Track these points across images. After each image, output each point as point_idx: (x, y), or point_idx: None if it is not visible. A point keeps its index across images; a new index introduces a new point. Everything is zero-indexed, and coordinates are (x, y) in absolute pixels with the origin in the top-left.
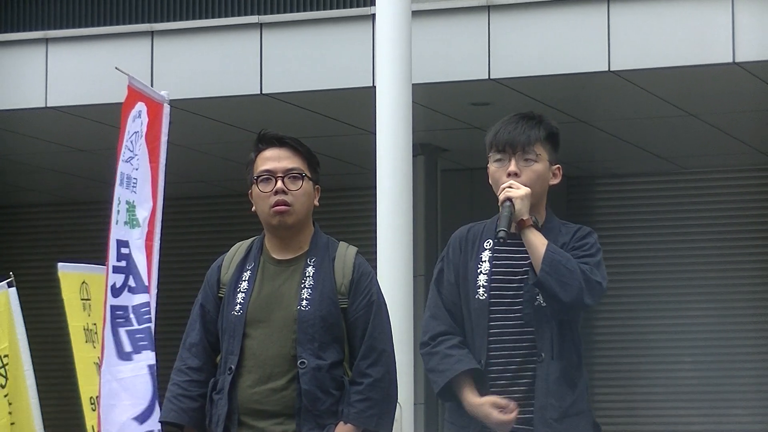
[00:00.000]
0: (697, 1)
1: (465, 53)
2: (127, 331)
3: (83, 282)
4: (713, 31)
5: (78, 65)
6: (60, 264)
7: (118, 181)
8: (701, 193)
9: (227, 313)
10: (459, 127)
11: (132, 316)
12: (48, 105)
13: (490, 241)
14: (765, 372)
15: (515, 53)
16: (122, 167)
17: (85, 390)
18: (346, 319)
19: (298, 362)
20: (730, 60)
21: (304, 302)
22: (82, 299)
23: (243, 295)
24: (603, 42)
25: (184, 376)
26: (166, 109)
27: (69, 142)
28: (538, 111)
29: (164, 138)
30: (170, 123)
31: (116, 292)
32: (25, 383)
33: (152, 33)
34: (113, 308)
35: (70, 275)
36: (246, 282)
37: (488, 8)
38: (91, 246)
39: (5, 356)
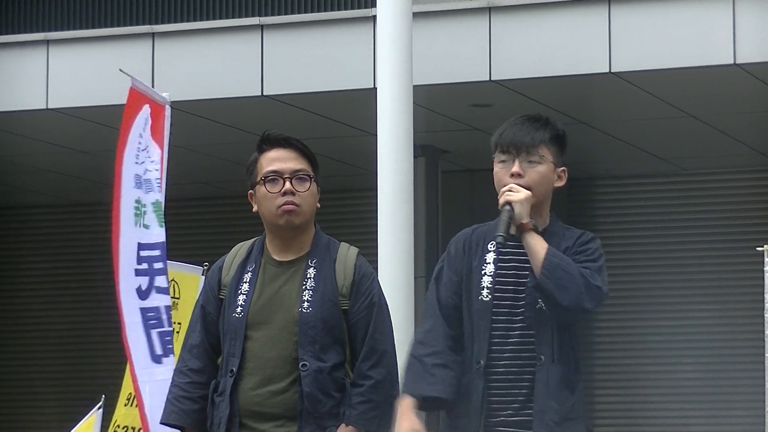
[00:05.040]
0: (698, 2)
1: (466, 55)
2: (159, 333)
3: (171, 280)
4: (714, 32)
5: (79, 67)
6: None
7: (134, 184)
8: (701, 195)
9: (228, 315)
10: (460, 129)
11: (164, 317)
12: (49, 107)
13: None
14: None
15: (516, 55)
16: (135, 169)
17: (127, 386)
18: (348, 320)
19: (300, 364)
20: (731, 61)
21: (305, 304)
22: (173, 297)
23: (244, 297)
24: (604, 43)
25: (185, 378)
26: (167, 110)
27: (70, 144)
28: (545, 113)
29: (166, 140)
30: (171, 125)
31: (143, 294)
32: None
33: (153, 35)
34: (144, 310)
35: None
36: (247, 284)
37: (489, 10)
38: (91, 248)
39: None
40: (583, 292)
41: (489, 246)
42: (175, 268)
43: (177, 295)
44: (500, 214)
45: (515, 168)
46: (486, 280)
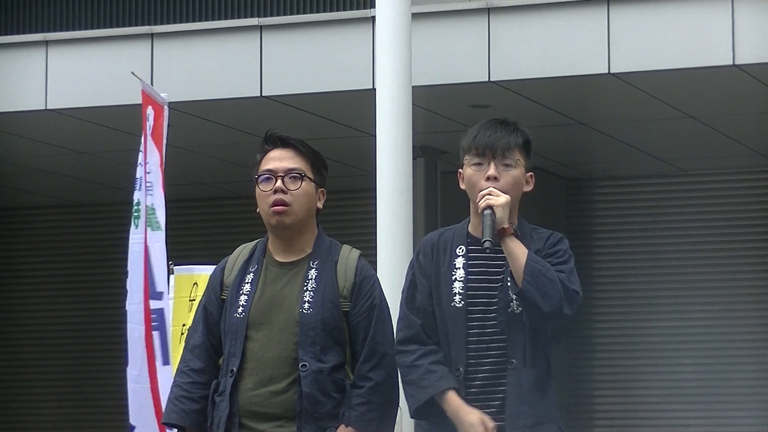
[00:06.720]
0: (697, 3)
1: (465, 55)
2: (161, 336)
3: (194, 283)
4: (713, 33)
5: (78, 67)
6: (176, 267)
7: (137, 186)
8: (700, 196)
9: (230, 315)
10: (459, 130)
11: (165, 320)
12: (48, 107)
13: (463, 247)
14: (765, 374)
15: (515, 55)
16: (138, 171)
17: None
18: (348, 322)
19: (299, 365)
20: (730, 62)
21: (306, 305)
22: (189, 300)
23: (245, 297)
24: (603, 44)
25: (186, 378)
26: (166, 110)
27: (69, 145)
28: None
29: (164, 141)
30: (169, 125)
31: (156, 295)
32: None
33: (152, 35)
34: (153, 311)
35: (182, 277)
36: (249, 284)
37: (488, 10)
38: (90, 248)
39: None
40: (563, 297)
41: (458, 250)
42: (198, 271)
43: (193, 297)
44: (483, 219)
45: (491, 171)
46: (457, 286)
